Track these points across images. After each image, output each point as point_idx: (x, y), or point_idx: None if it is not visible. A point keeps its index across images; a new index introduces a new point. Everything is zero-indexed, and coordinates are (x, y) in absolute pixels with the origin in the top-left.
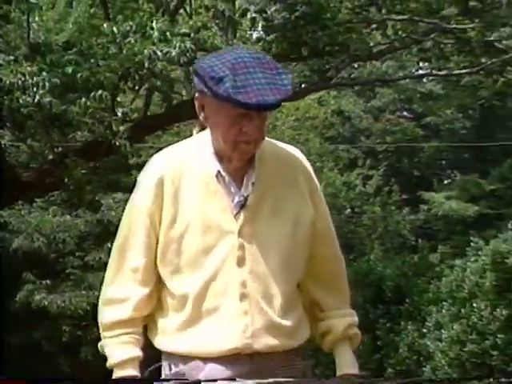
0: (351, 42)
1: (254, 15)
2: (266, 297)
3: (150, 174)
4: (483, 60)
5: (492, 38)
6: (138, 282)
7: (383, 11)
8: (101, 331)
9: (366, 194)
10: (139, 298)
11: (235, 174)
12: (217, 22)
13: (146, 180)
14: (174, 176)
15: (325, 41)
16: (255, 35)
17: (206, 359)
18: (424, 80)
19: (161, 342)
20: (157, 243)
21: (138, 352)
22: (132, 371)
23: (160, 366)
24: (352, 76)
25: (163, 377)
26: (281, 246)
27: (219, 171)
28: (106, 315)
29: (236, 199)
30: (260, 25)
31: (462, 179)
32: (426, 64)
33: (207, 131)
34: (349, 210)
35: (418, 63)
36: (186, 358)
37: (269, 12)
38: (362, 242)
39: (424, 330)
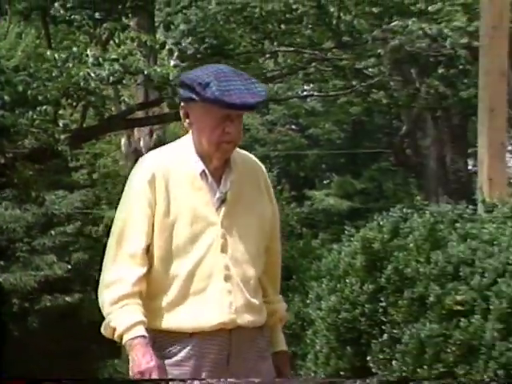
0: (249, 69)
1: (171, 46)
2: (244, 279)
3: (144, 171)
4: (354, 83)
5: (361, 66)
6: (135, 265)
7: (275, 43)
8: (105, 311)
9: None
10: (137, 277)
11: (215, 173)
12: (141, 50)
13: (139, 177)
14: (164, 173)
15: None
16: (172, 62)
17: (192, 335)
18: (308, 99)
19: (150, 321)
20: (152, 232)
21: (143, 317)
22: (141, 331)
23: None
24: None
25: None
26: (253, 236)
27: (204, 170)
28: (108, 295)
29: (217, 195)
30: (175, 54)
31: (339, 180)
32: (310, 86)
33: (187, 137)
34: None
35: (303, 85)
36: (171, 335)
37: (183, 44)
38: None
39: (307, 301)
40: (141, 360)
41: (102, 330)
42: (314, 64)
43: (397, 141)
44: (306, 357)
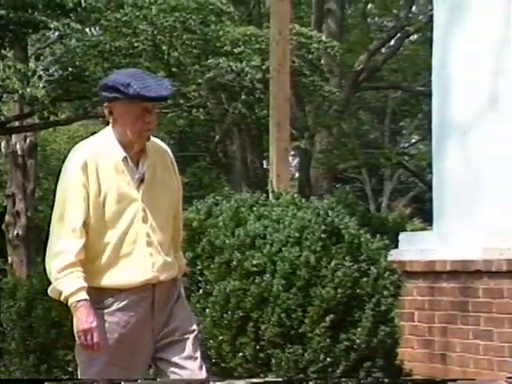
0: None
1: (40, 73)
2: (160, 243)
3: (77, 158)
4: (181, 102)
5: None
6: (77, 238)
7: None
8: (52, 277)
9: None
10: (78, 248)
11: (133, 158)
12: (16, 75)
13: (74, 164)
14: (94, 160)
15: (83, 89)
16: (41, 85)
17: (121, 291)
18: None
19: (89, 280)
20: (87, 208)
21: (84, 283)
22: (84, 295)
23: None
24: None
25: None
26: (165, 208)
27: (125, 156)
28: (55, 264)
29: (136, 176)
30: (44, 79)
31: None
32: None
33: (107, 131)
34: None
35: None
36: (105, 291)
37: (50, 71)
38: None
39: None
40: (84, 320)
41: (49, 292)
42: None
43: (212, 146)
44: None
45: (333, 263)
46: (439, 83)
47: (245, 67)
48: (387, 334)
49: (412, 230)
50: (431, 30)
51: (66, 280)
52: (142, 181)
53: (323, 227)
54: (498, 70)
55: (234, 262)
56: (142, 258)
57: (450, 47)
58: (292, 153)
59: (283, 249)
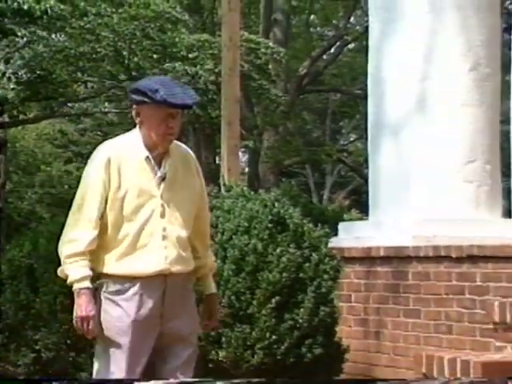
0: (67, 92)
1: (9, 75)
2: (176, 238)
3: (101, 155)
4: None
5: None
6: (91, 228)
7: (85, 75)
8: (62, 260)
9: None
10: (91, 239)
11: (156, 158)
12: None
13: (98, 160)
14: (117, 158)
15: (50, 90)
16: (11, 86)
17: (136, 278)
18: (108, 114)
19: (105, 267)
20: (105, 202)
21: (89, 272)
22: (87, 284)
23: (101, 283)
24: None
25: (102, 292)
26: (185, 206)
27: (147, 156)
28: (68, 249)
29: (158, 175)
30: (13, 81)
31: None
32: (110, 105)
33: (135, 131)
34: None
35: (105, 104)
36: (121, 278)
37: (19, 74)
38: None
39: None
40: (84, 307)
41: (59, 272)
42: (112, 90)
43: None
44: None
45: (278, 250)
46: (374, 87)
47: (199, 71)
48: (327, 314)
49: (350, 220)
50: (367, 39)
51: (73, 267)
52: (163, 179)
53: (270, 217)
54: (425, 77)
55: None
56: (156, 250)
57: (383, 55)
58: (242, 149)
59: (233, 237)
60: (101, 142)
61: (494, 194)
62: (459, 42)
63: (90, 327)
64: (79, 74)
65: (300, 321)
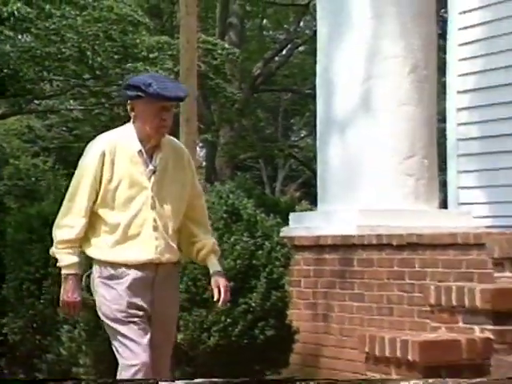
0: (35, 90)
1: None
2: (165, 229)
3: (95, 147)
4: (103, 101)
5: (108, 91)
6: (82, 216)
7: (51, 74)
8: (54, 243)
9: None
10: (82, 225)
11: (148, 152)
12: None
13: (93, 152)
14: (111, 150)
15: (17, 88)
16: None
17: (129, 266)
18: (74, 111)
19: (96, 253)
20: (97, 193)
21: (77, 259)
22: (74, 270)
23: (96, 269)
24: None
25: (96, 276)
26: (174, 198)
27: (140, 150)
28: (59, 234)
29: (149, 167)
30: None
31: None
32: (75, 102)
33: (129, 125)
34: None
35: (70, 101)
36: (114, 265)
37: None
38: None
39: None
40: (70, 293)
41: (51, 253)
42: (77, 88)
43: None
44: None
45: (233, 238)
46: (322, 87)
47: (159, 70)
48: (278, 298)
49: (300, 211)
50: (315, 43)
51: (63, 252)
52: (154, 172)
53: (225, 208)
54: (369, 77)
55: None
56: (147, 240)
57: (331, 57)
58: (200, 145)
59: None
60: (66, 137)
61: (431, 186)
62: (399, 47)
63: (75, 312)
64: (45, 73)
65: (253, 305)
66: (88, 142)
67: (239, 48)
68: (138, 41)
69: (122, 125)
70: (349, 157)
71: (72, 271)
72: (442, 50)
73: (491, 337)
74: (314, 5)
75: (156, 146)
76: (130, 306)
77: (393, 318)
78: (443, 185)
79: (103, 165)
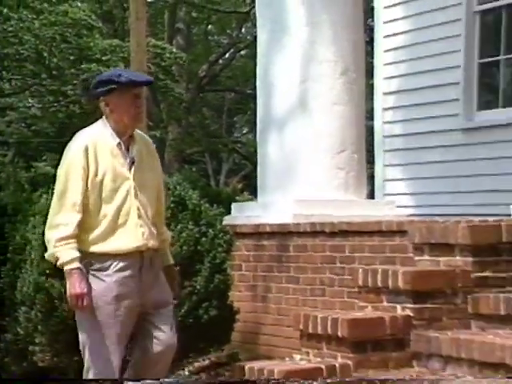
0: None
1: None
2: (147, 216)
3: (79, 143)
4: (60, 99)
5: (65, 89)
6: (75, 212)
7: (10, 73)
8: (51, 245)
9: None
10: (76, 222)
11: (125, 144)
12: None
13: (76, 148)
14: (93, 145)
15: None
16: None
17: (116, 256)
18: (32, 108)
19: (88, 247)
20: (86, 186)
21: (78, 253)
22: (77, 264)
23: (86, 262)
24: None
25: (90, 268)
26: (151, 187)
27: (119, 142)
28: (55, 234)
29: (128, 160)
30: None
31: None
32: (33, 100)
33: (102, 121)
34: None
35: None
36: (103, 256)
37: None
38: None
39: None
40: (77, 285)
41: (47, 256)
42: (35, 87)
43: None
44: None
45: (179, 226)
46: (262, 88)
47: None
48: (221, 281)
49: (242, 201)
50: (255, 47)
51: (63, 249)
52: (132, 163)
53: (172, 198)
54: (304, 80)
55: None
56: (133, 228)
57: (269, 60)
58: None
59: None
60: (25, 133)
61: (360, 178)
62: (331, 52)
63: (85, 303)
64: (5, 73)
65: (198, 287)
66: (45, 138)
67: (186, 51)
68: (91, 43)
69: (78, 121)
70: (286, 152)
71: (74, 265)
72: (369, 55)
73: (411, 314)
74: (254, 13)
75: (131, 138)
76: (118, 298)
77: (325, 298)
78: (371, 177)
79: (88, 160)
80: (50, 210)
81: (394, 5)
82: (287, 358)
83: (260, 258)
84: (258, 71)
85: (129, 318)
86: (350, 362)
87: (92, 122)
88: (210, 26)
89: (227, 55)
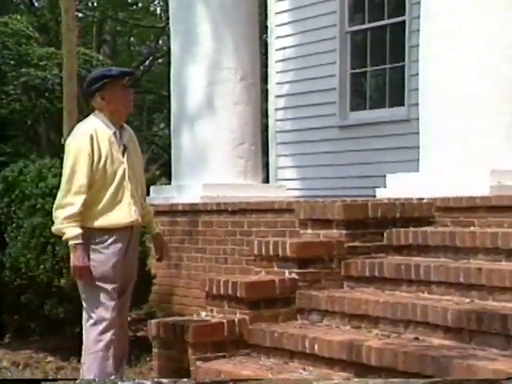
0: None
1: None
2: (137, 195)
3: (83, 133)
4: None
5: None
6: (81, 194)
7: None
8: (59, 221)
9: None
10: (81, 202)
11: (119, 133)
12: None
13: (82, 136)
14: (96, 134)
15: None
16: None
17: (113, 230)
18: None
19: (90, 223)
20: (91, 170)
21: (81, 230)
22: (81, 240)
23: (88, 237)
24: None
25: (91, 242)
26: (139, 170)
27: (115, 131)
28: (64, 212)
29: (121, 146)
30: None
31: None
32: None
33: (96, 114)
34: None
35: None
36: (102, 231)
37: None
38: None
39: None
40: (81, 259)
41: (54, 231)
42: None
43: (26, 128)
44: None
45: None
46: (176, 90)
47: (47, 75)
48: (141, 252)
49: (160, 185)
50: (170, 56)
51: (70, 226)
52: (125, 149)
53: None
54: (211, 83)
55: (38, 206)
56: (127, 205)
57: (182, 67)
58: None
59: None
60: None
61: (256, 166)
62: (233, 61)
63: (85, 275)
64: None
65: None
66: None
67: (112, 59)
68: (30, 51)
69: (18, 116)
70: (196, 144)
71: (78, 241)
72: (264, 64)
73: (296, 277)
74: (169, 27)
75: (122, 128)
76: (114, 267)
77: (227, 265)
78: (265, 165)
79: (93, 147)
80: (59, 191)
81: (284, 24)
82: (195, 315)
83: (174, 232)
84: (172, 76)
85: (119, 280)
86: (246, 317)
87: (29, 117)
88: (132, 38)
89: (147, 63)
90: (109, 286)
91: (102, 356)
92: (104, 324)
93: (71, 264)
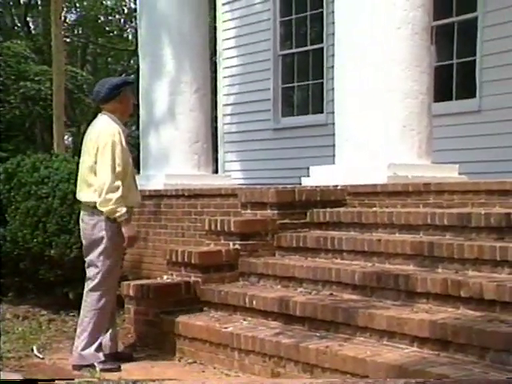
0: None
1: None
2: (135, 180)
3: (113, 129)
4: None
5: None
6: (120, 178)
7: None
8: (112, 203)
9: None
10: (121, 186)
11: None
12: None
13: (113, 132)
14: (120, 130)
15: None
16: None
17: (130, 208)
18: None
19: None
20: (121, 160)
21: (125, 208)
22: (128, 216)
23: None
24: None
25: (109, 221)
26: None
27: (123, 129)
28: (115, 195)
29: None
30: None
31: None
32: None
33: (107, 115)
34: None
35: None
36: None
37: None
38: None
39: None
40: (133, 230)
41: (108, 210)
42: None
43: (24, 129)
44: None
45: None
46: (144, 99)
47: (41, 87)
48: None
49: None
50: (138, 74)
51: (121, 205)
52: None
53: None
54: (172, 93)
55: (32, 191)
56: (135, 189)
57: (149, 82)
58: (68, 134)
59: (59, 184)
60: None
61: (208, 160)
62: (189, 76)
63: (137, 242)
64: None
65: None
66: None
67: (93, 75)
68: (27, 68)
69: (19, 120)
70: (160, 142)
71: (127, 216)
72: (214, 79)
73: (239, 248)
74: (138, 50)
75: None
76: (122, 241)
77: (184, 238)
78: (215, 160)
79: (121, 140)
80: (105, 179)
81: (229, 48)
82: (159, 278)
83: (142, 213)
84: (141, 89)
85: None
86: (199, 280)
87: (27, 121)
88: (109, 59)
89: None
90: (120, 253)
91: (102, 312)
92: (107, 287)
93: (125, 234)
